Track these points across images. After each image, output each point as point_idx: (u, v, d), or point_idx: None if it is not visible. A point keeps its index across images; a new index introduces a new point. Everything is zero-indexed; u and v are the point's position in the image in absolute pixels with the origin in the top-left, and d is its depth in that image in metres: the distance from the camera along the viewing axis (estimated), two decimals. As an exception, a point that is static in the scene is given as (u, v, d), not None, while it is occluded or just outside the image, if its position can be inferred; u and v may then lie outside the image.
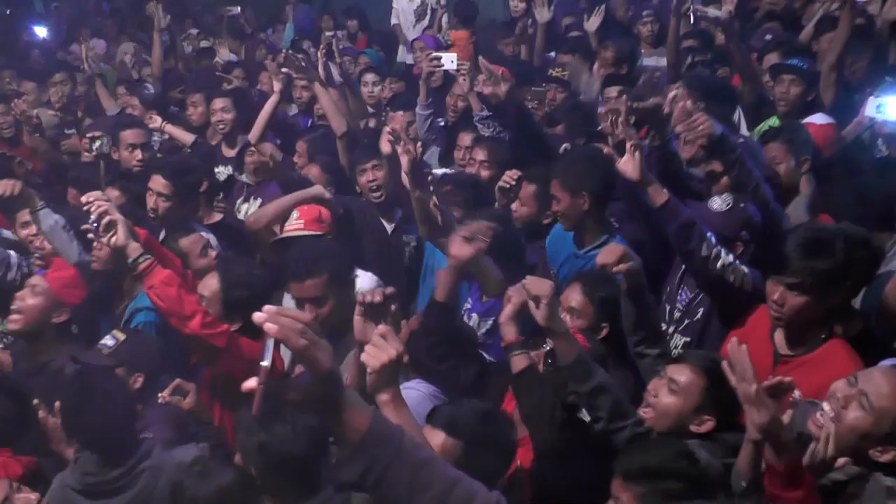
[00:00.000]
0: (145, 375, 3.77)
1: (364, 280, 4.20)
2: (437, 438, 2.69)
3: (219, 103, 6.33)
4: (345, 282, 3.83)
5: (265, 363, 1.64)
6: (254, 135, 5.87)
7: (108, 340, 3.78)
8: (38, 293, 4.18)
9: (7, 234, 5.01)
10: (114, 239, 3.50)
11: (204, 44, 9.89)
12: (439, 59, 5.77)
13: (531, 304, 2.94)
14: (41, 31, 10.85)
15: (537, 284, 2.96)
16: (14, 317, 4.18)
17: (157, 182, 4.82)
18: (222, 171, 6.14)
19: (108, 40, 10.97)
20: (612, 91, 5.87)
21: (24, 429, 3.62)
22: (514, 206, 4.65)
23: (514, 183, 4.71)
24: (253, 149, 5.68)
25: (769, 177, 4.18)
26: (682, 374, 2.99)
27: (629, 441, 2.94)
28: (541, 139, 5.18)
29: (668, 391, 2.99)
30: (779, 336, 3.33)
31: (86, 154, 6.21)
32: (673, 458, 2.68)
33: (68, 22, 11.79)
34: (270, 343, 1.65)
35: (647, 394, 3.07)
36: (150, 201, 4.82)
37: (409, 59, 8.62)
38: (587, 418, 3.10)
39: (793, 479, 2.43)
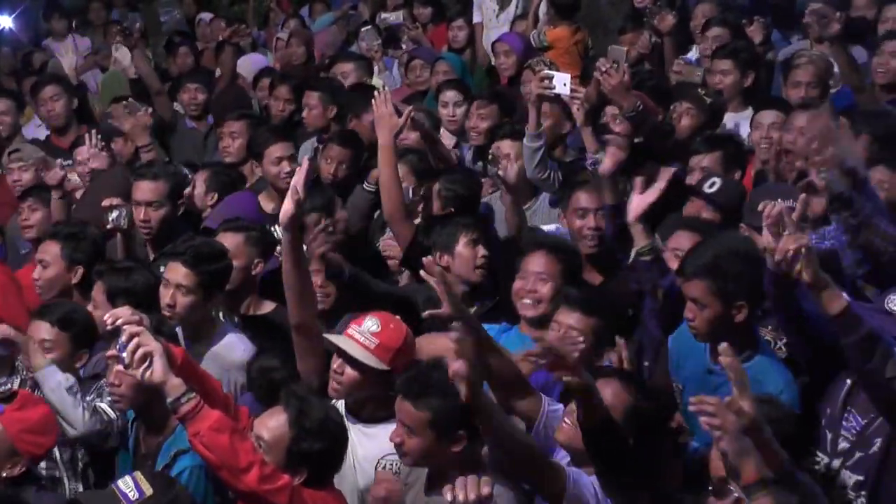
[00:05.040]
0: None
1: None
2: None
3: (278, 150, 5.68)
4: (447, 433, 3.47)
5: None
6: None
7: (127, 489, 3.20)
8: None
9: None
10: (149, 374, 3.34)
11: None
12: (551, 79, 5.38)
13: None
14: (5, 21, 10.24)
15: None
16: None
17: (176, 272, 4.34)
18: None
19: (92, 27, 10.10)
20: (768, 116, 5.23)
21: None
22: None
23: None
24: None
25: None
26: None
27: None
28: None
29: None
30: None
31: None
32: None
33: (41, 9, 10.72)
34: None
35: None
36: (166, 296, 4.34)
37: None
38: None
39: None
